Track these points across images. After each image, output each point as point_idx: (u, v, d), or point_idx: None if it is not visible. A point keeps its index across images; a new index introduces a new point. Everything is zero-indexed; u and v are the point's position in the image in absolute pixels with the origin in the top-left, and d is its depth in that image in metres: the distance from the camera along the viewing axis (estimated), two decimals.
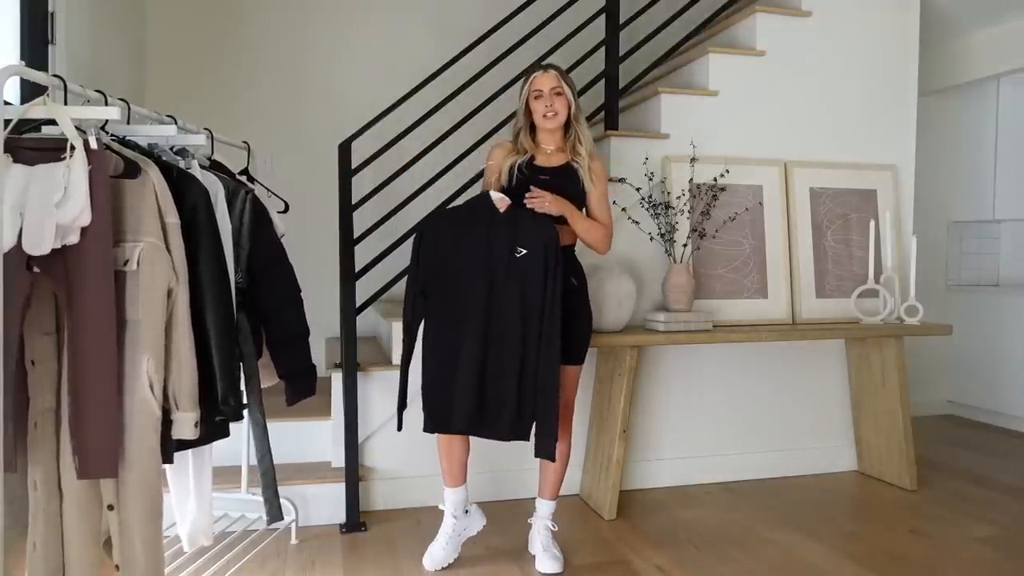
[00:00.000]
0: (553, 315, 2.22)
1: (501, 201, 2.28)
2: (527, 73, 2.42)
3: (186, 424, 1.60)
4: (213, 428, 1.78)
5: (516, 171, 2.38)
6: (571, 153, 2.42)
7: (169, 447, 1.62)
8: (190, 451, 1.83)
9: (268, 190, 2.36)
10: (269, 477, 2.10)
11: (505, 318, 2.23)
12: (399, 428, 2.40)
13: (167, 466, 1.76)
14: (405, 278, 2.46)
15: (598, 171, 2.44)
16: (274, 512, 2.12)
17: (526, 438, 2.26)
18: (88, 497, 1.59)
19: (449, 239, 2.30)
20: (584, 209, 2.45)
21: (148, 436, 1.55)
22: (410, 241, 2.90)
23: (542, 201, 2.29)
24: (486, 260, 2.25)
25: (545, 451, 2.24)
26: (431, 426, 2.28)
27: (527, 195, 2.31)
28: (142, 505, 1.57)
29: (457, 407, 2.22)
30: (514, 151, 2.42)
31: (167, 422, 1.59)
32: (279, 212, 2.40)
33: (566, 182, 2.39)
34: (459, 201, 2.99)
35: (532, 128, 2.43)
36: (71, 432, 1.48)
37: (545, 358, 2.22)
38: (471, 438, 2.39)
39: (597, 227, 2.43)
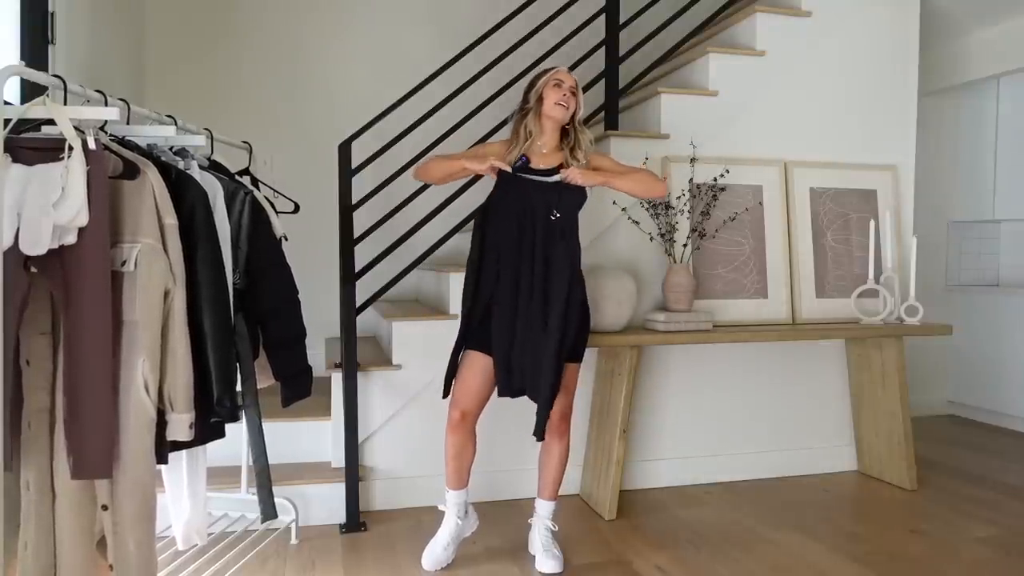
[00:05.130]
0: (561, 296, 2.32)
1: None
2: (547, 70, 2.45)
3: (181, 426, 1.60)
4: (208, 429, 1.79)
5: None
6: (568, 156, 2.42)
7: (163, 448, 1.62)
8: (184, 451, 1.83)
9: (276, 191, 2.35)
10: (264, 477, 2.11)
11: (536, 281, 2.31)
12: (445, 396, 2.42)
13: (161, 466, 1.76)
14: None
15: (601, 157, 2.55)
16: (268, 511, 2.13)
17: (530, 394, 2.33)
18: (82, 497, 1.59)
19: (503, 212, 2.38)
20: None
21: (143, 437, 1.55)
22: (406, 246, 2.94)
23: (574, 177, 2.33)
24: (530, 224, 2.33)
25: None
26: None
27: (562, 172, 2.36)
28: (135, 505, 1.57)
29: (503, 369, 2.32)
30: (508, 150, 2.42)
31: (162, 423, 1.59)
32: (289, 212, 2.40)
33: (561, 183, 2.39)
34: (457, 202, 3.02)
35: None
36: (66, 432, 1.48)
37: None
38: (477, 441, 2.42)
39: (637, 175, 2.50)
